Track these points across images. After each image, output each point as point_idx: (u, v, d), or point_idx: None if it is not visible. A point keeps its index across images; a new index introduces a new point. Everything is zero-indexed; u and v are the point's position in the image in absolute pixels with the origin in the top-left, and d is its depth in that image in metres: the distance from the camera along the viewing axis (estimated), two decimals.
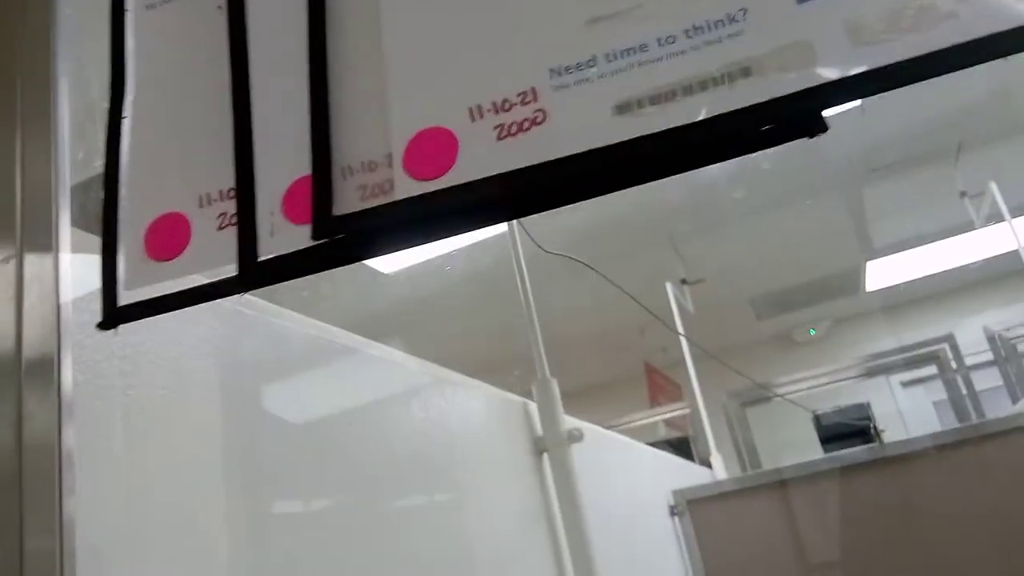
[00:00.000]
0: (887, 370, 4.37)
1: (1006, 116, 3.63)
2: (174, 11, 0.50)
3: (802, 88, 0.38)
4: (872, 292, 4.90)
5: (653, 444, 2.85)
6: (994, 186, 3.99)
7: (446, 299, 3.81)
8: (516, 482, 1.43)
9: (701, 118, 0.39)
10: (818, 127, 0.38)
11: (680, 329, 3.44)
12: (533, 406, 1.57)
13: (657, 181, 0.41)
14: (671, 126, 0.39)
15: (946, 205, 4.22)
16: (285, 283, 0.43)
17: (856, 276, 4.71)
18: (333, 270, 0.42)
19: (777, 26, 0.39)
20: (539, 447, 1.52)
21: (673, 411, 3.87)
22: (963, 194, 4.16)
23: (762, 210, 3.85)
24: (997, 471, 1.83)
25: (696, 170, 0.40)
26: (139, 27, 0.50)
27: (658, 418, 3.92)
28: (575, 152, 0.39)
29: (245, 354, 0.81)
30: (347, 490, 0.87)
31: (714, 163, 0.40)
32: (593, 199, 0.41)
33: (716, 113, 0.38)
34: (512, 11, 0.42)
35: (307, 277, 0.43)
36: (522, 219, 1.73)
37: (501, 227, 1.80)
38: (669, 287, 3.45)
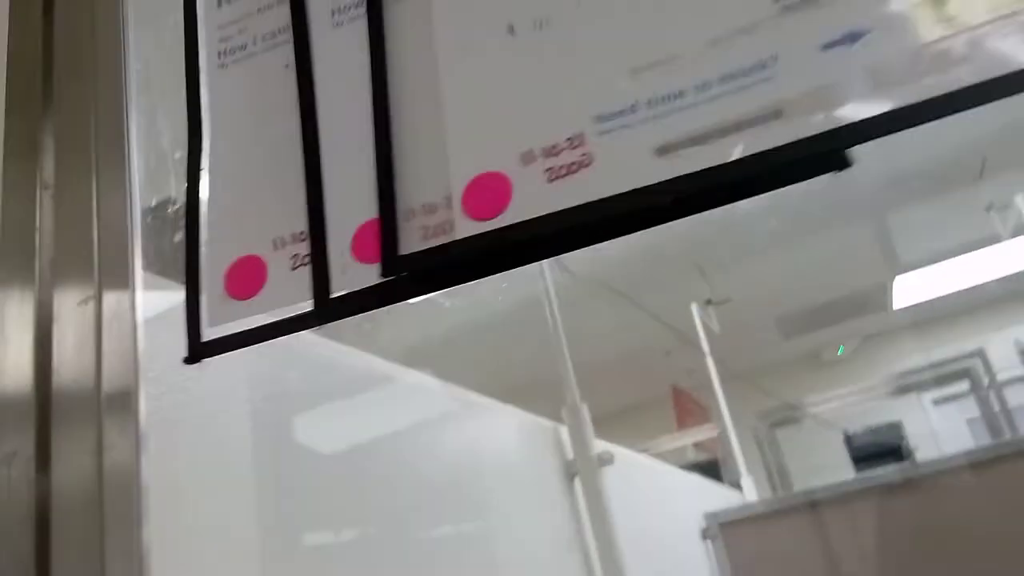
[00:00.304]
0: (918, 388, 4.31)
1: None
2: (245, 69, 0.54)
3: (829, 128, 0.41)
4: (900, 309, 4.85)
5: (682, 467, 2.84)
6: (1021, 199, 3.94)
7: (476, 326, 3.85)
8: (548, 506, 1.44)
9: (735, 158, 0.42)
10: (843, 164, 0.41)
11: (706, 349, 3.43)
12: (564, 430, 1.59)
13: None
14: (707, 166, 0.42)
15: (972, 219, 4.18)
16: None
17: (883, 293, 4.66)
18: None
19: (805, 71, 0.43)
20: (570, 471, 1.54)
21: (701, 434, 3.85)
22: (990, 207, 4.12)
23: (787, 228, 3.85)
24: None
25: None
26: (212, 83, 0.55)
27: (687, 441, 3.90)
28: (619, 192, 0.43)
29: (289, 383, 0.85)
30: (382, 518, 0.89)
31: (746, 198, 0.43)
32: None
33: (749, 153, 0.42)
34: (561, 62, 0.46)
35: None
36: None
37: None
38: (694, 308, 3.45)
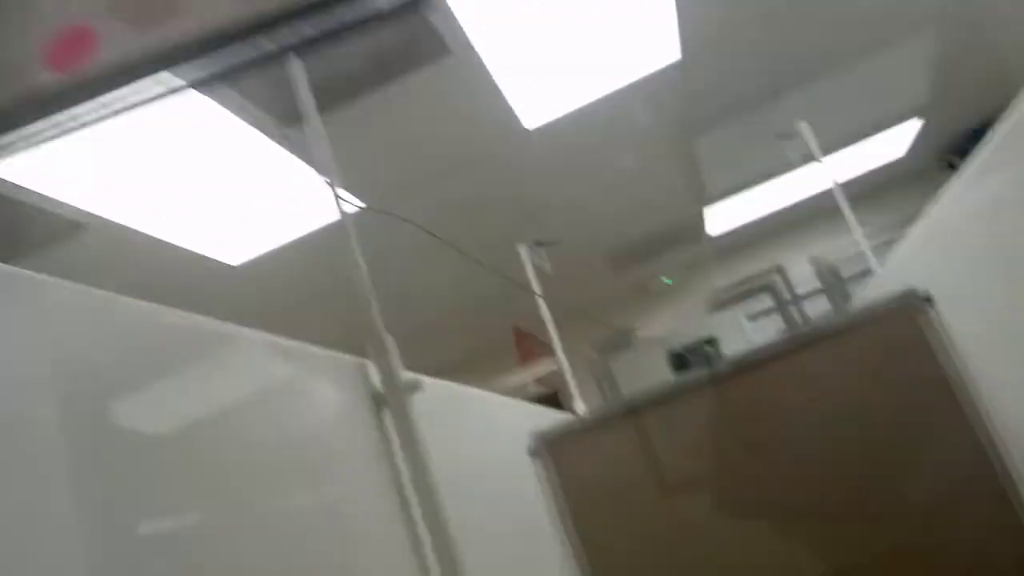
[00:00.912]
0: (731, 303, 4.76)
1: (813, 57, 3.98)
2: None
3: None
4: (714, 237, 5.29)
5: (526, 400, 2.96)
6: (805, 126, 4.32)
7: (296, 287, 3.75)
8: (359, 440, 1.45)
9: None
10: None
11: (538, 290, 3.57)
12: (371, 364, 1.60)
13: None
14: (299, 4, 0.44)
15: (767, 149, 4.59)
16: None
17: (698, 224, 5.06)
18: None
19: None
20: (378, 401, 1.55)
21: (542, 369, 4.02)
22: (779, 136, 4.52)
23: (608, 169, 4.05)
24: (822, 374, 2.01)
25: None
26: None
27: (528, 377, 4.06)
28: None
29: (77, 349, 0.74)
30: (187, 485, 0.83)
31: (350, 38, 0.45)
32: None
33: None
34: None
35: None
36: (356, 204, 1.74)
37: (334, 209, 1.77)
38: (523, 249, 3.56)
